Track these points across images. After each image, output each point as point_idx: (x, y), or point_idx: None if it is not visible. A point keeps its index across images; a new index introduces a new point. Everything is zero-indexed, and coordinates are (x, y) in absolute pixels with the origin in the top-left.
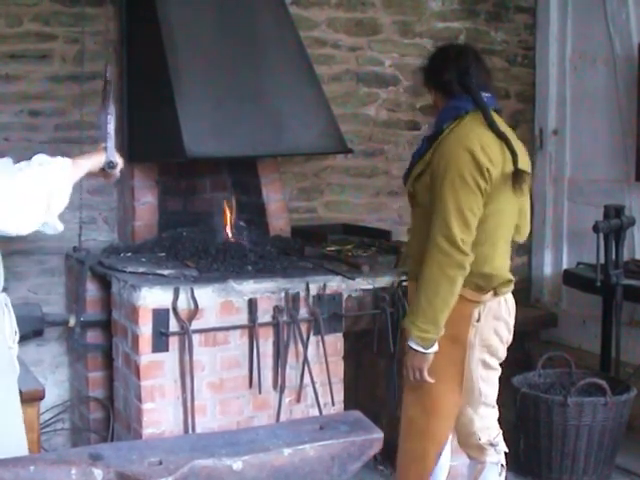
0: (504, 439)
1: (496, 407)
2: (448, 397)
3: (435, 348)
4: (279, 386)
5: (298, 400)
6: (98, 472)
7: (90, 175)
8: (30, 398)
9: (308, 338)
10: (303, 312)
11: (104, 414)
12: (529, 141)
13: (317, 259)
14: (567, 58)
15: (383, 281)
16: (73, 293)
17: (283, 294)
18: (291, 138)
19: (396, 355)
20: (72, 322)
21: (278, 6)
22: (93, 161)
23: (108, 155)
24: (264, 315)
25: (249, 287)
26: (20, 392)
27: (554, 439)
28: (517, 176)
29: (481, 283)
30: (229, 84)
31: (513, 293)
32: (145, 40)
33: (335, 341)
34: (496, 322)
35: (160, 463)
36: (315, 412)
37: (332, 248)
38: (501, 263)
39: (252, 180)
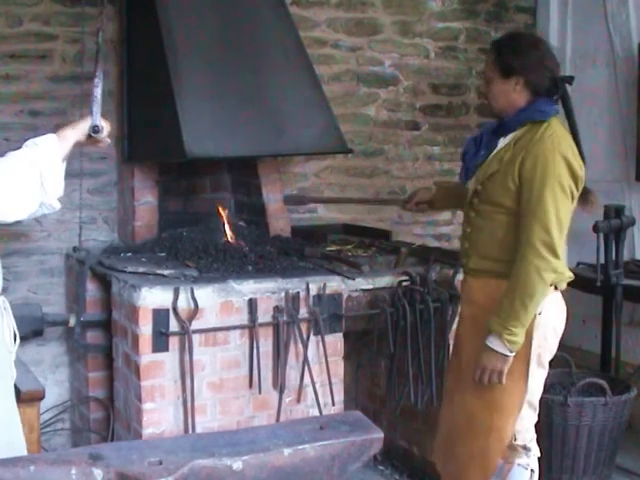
0: None
1: (537, 410)
2: (514, 392)
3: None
4: (279, 386)
5: (298, 400)
6: (98, 472)
7: (81, 145)
8: (30, 398)
9: (308, 338)
10: (303, 312)
11: (104, 414)
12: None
13: (317, 259)
14: (567, 58)
15: (383, 281)
16: (73, 293)
17: (283, 294)
18: (291, 138)
19: (396, 355)
20: (72, 322)
21: (278, 6)
22: (78, 129)
23: (93, 119)
24: (264, 315)
25: (249, 287)
26: (20, 392)
27: (554, 439)
28: (585, 192)
29: None
30: (229, 84)
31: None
32: (145, 40)
33: (335, 341)
34: (555, 317)
35: (160, 463)
36: (315, 412)
37: (332, 248)
38: (564, 260)
39: (252, 180)
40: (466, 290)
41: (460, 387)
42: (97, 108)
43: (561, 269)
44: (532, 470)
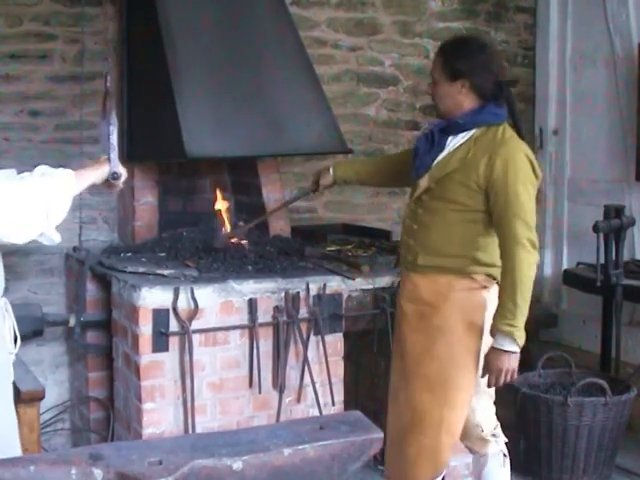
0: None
1: (494, 397)
2: (464, 387)
3: None
4: (279, 386)
5: (298, 400)
6: (98, 472)
7: (93, 187)
8: (30, 398)
9: (308, 338)
10: (303, 312)
11: (104, 414)
12: (529, 141)
13: (317, 259)
14: (567, 58)
15: (383, 281)
16: (73, 293)
17: (283, 294)
18: (291, 138)
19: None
20: (72, 322)
21: (278, 6)
22: (97, 173)
23: (112, 166)
24: (264, 315)
25: (249, 287)
26: (20, 392)
27: (554, 439)
28: None
29: (492, 272)
30: (229, 84)
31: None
32: (145, 40)
33: (335, 341)
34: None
35: (160, 463)
36: (315, 412)
37: (332, 248)
38: None
39: (252, 180)
40: (409, 288)
41: (406, 385)
42: (114, 155)
43: (488, 257)
44: (504, 455)
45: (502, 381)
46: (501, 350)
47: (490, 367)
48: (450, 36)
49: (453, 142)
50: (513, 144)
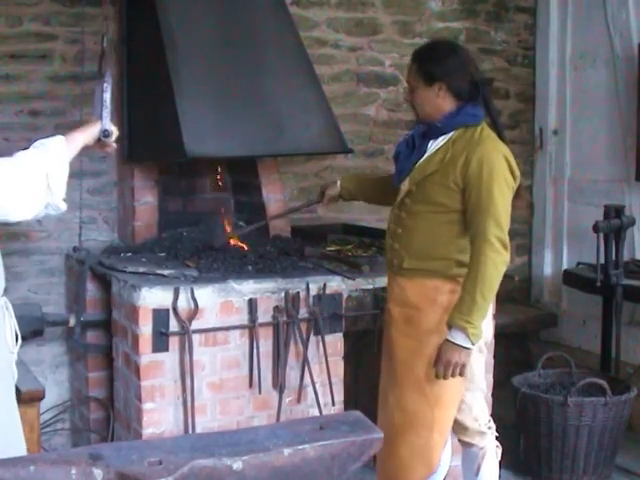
0: (504, 439)
1: (485, 390)
2: (453, 386)
3: None
4: (279, 386)
5: (298, 400)
6: (98, 472)
7: (87, 148)
8: (30, 398)
9: (308, 338)
10: (303, 312)
11: (104, 414)
12: (529, 141)
13: (317, 259)
14: (567, 58)
15: (383, 281)
16: (73, 293)
17: (283, 294)
18: (291, 138)
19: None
20: (72, 322)
21: (278, 6)
22: (88, 133)
23: (103, 124)
24: (264, 315)
25: (249, 287)
26: (20, 392)
27: (554, 439)
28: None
29: None
30: (229, 84)
31: (513, 293)
32: (145, 40)
33: (335, 341)
34: None
35: (160, 463)
36: (315, 412)
37: (332, 248)
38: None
39: (252, 180)
40: (397, 291)
41: (394, 388)
42: (106, 113)
43: (508, 260)
44: (497, 445)
45: (450, 374)
46: (452, 343)
47: (440, 359)
48: (452, 36)
49: (433, 145)
50: (490, 143)
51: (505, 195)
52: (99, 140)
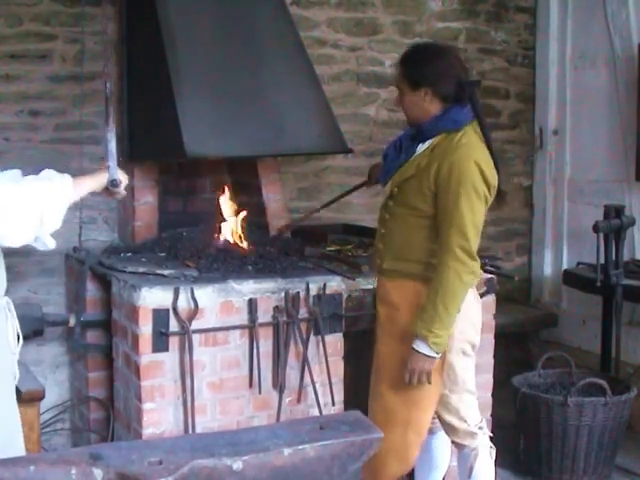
0: (503, 439)
1: (476, 394)
2: (431, 388)
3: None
4: (279, 386)
5: (298, 400)
6: (98, 472)
7: (94, 194)
8: (30, 398)
9: (308, 338)
10: (303, 312)
11: (104, 414)
12: (529, 141)
13: (317, 259)
14: (567, 58)
15: None
16: (73, 293)
17: (283, 294)
18: (291, 138)
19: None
20: (72, 322)
21: (278, 6)
22: (96, 181)
23: (111, 173)
24: (264, 315)
25: (249, 287)
26: (20, 392)
27: (554, 439)
28: (500, 194)
29: None
30: (229, 84)
31: (513, 293)
32: (145, 40)
33: (335, 341)
34: (471, 311)
35: (160, 463)
36: (315, 412)
37: (332, 248)
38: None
39: (252, 180)
40: (381, 291)
41: (378, 385)
42: (113, 162)
43: (477, 270)
44: (491, 446)
45: (415, 381)
46: (416, 351)
47: (407, 366)
48: (452, 36)
49: (420, 149)
50: (465, 151)
51: (472, 202)
52: (107, 188)
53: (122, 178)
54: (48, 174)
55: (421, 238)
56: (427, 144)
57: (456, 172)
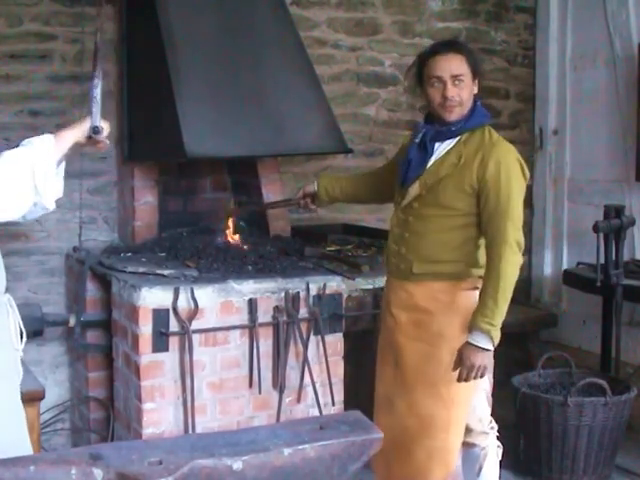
0: (504, 439)
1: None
2: (467, 386)
3: None
4: (279, 386)
5: (298, 400)
6: (98, 472)
7: (80, 146)
8: (30, 398)
9: (308, 338)
10: (303, 312)
11: (104, 414)
12: (529, 141)
13: (317, 259)
14: (567, 58)
15: (383, 281)
16: (73, 293)
17: (283, 294)
18: (291, 138)
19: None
20: (72, 322)
21: (278, 6)
22: (77, 130)
23: (93, 120)
24: (264, 315)
25: (249, 287)
26: (20, 392)
27: (554, 439)
28: None
29: (482, 273)
30: (229, 84)
31: (513, 293)
32: (145, 40)
33: (335, 341)
34: None
35: (160, 463)
36: (315, 412)
37: (332, 248)
38: None
39: (252, 180)
40: (404, 297)
41: (404, 394)
42: (97, 109)
43: (483, 259)
44: (498, 445)
45: (473, 377)
46: (476, 347)
47: (463, 362)
48: (452, 36)
49: (441, 147)
50: (504, 146)
51: (520, 197)
52: (90, 137)
53: (104, 125)
54: (27, 140)
55: (458, 238)
56: (451, 142)
57: (504, 168)
